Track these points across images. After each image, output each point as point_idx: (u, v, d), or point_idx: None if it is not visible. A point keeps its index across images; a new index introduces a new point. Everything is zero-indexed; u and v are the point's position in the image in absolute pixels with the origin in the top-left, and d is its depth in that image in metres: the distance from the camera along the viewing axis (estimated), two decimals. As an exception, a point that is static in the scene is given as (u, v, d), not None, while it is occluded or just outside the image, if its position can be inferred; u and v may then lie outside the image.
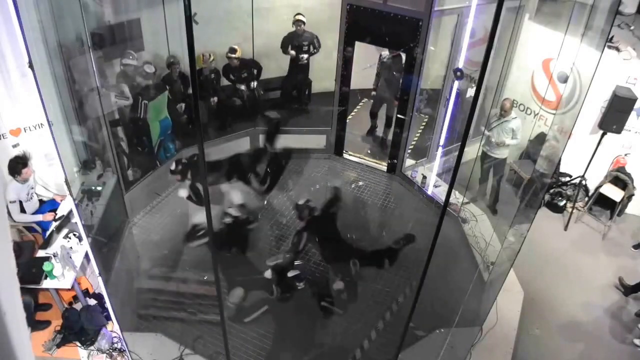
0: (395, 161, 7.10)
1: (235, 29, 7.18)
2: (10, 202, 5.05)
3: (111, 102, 5.93)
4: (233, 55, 6.90)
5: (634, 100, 6.17)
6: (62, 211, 5.33)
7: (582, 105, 5.95)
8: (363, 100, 8.28)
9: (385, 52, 6.94)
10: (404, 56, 6.71)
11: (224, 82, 7.32)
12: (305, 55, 7.26)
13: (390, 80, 7.03)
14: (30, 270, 4.62)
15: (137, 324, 5.06)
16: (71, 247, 4.92)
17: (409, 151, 7.21)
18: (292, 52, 7.20)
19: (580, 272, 6.30)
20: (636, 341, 5.46)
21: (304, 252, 5.77)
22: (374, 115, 7.58)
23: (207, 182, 2.85)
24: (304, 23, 7.10)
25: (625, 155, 6.82)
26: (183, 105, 6.65)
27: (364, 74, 7.16)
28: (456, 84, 6.35)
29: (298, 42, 7.17)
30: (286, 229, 6.12)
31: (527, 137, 6.58)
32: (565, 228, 6.93)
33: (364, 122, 7.62)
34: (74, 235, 5.04)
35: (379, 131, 7.66)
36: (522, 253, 4.99)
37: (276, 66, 7.51)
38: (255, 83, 7.29)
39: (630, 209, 7.05)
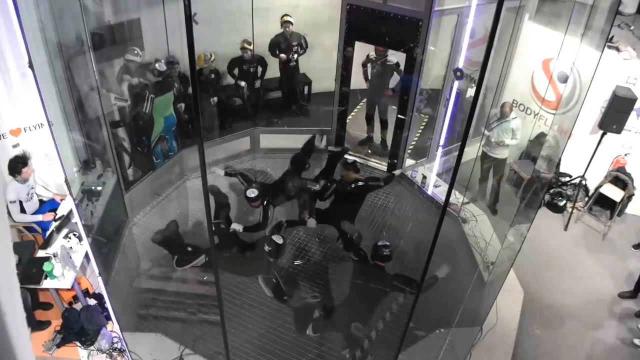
0: (396, 161, 7.10)
1: (235, 29, 7.18)
2: (10, 202, 5.05)
3: (111, 102, 5.93)
4: (249, 47, 6.94)
5: (634, 100, 6.17)
6: (62, 211, 5.33)
7: (582, 105, 5.95)
8: (363, 100, 8.27)
9: (373, 53, 6.86)
10: (391, 57, 6.71)
11: (224, 81, 7.32)
12: (295, 56, 7.26)
13: (379, 82, 6.99)
14: (31, 270, 4.62)
15: (137, 324, 5.06)
16: (71, 247, 4.92)
17: (409, 151, 7.21)
18: (283, 56, 7.19)
19: (580, 272, 6.31)
20: (636, 341, 5.46)
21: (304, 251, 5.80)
22: (369, 120, 7.47)
23: (206, 182, 2.85)
24: (291, 24, 7.09)
25: (625, 155, 6.82)
26: (183, 105, 6.65)
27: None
28: (456, 84, 6.36)
29: (287, 43, 7.17)
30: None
31: (527, 137, 6.58)
32: (565, 228, 6.93)
33: (364, 121, 7.61)
34: (74, 235, 5.04)
35: (376, 138, 7.61)
36: (522, 253, 5.00)
37: (277, 67, 7.50)
38: (259, 82, 7.30)
39: (630, 209, 7.05)
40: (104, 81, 5.81)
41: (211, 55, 6.79)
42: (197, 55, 6.65)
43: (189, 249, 5.32)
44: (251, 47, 6.97)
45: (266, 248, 4.95)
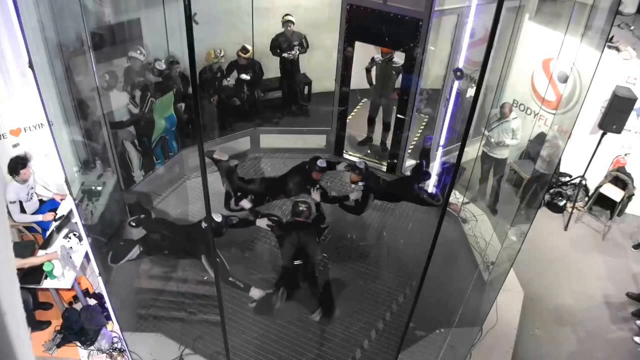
0: (395, 161, 7.10)
1: (235, 29, 7.18)
2: (10, 202, 5.05)
3: (111, 102, 5.93)
4: (244, 55, 6.97)
5: (634, 100, 6.17)
6: (62, 211, 5.33)
7: (582, 105, 5.95)
8: (363, 100, 8.29)
9: (378, 56, 6.84)
10: (397, 59, 6.70)
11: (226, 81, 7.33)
12: (297, 52, 7.26)
13: (385, 84, 6.98)
14: (31, 270, 4.61)
15: (137, 324, 5.06)
16: (71, 247, 4.92)
17: (409, 151, 7.21)
18: (294, 52, 7.20)
19: (580, 272, 6.31)
20: (636, 339, 5.46)
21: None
22: (371, 122, 7.46)
23: (207, 182, 2.84)
24: (293, 23, 7.10)
25: (625, 155, 6.82)
26: (183, 105, 6.66)
27: (364, 74, 7.16)
28: (456, 84, 6.35)
29: (288, 42, 7.18)
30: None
31: (527, 137, 6.58)
32: (565, 228, 6.93)
33: (364, 122, 7.61)
34: (74, 235, 5.04)
35: (375, 139, 7.62)
36: (522, 253, 5.00)
37: (276, 66, 7.52)
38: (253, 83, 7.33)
39: (630, 209, 7.05)
40: (110, 80, 5.81)
41: (221, 51, 6.78)
42: (206, 51, 6.70)
43: (121, 243, 5.21)
44: (246, 56, 6.98)
45: (203, 225, 4.81)
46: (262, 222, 5.09)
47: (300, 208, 4.95)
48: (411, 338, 4.90)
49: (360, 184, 5.63)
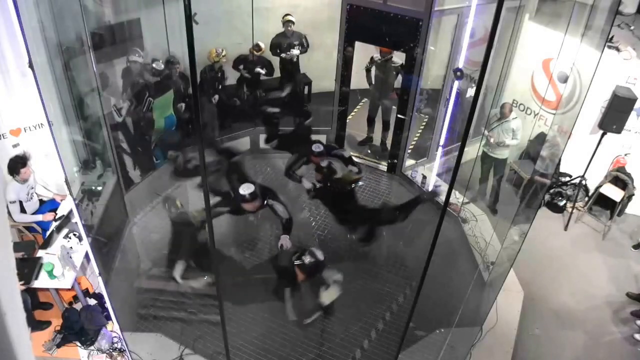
0: (395, 161, 7.10)
1: (235, 29, 7.19)
2: (10, 202, 5.05)
3: (111, 103, 5.93)
4: (257, 53, 7.09)
5: (634, 100, 6.17)
6: (62, 211, 5.33)
7: (582, 105, 5.95)
8: (363, 100, 8.28)
9: (377, 55, 6.84)
10: (396, 58, 6.70)
11: (227, 81, 7.33)
12: (297, 52, 7.28)
13: (384, 84, 6.98)
14: (22, 271, 4.56)
15: (137, 324, 5.06)
16: (71, 247, 4.92)
17: (409, 151, 7.21)
18: (294, 52, 7.21)
19: (580, 272, 6.31)
20: (637, 336, 5.47)
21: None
22: (370, 122, 7.47)
23: (207, 182, 2.85)
24: (293, 23, 7.10)
25: (625, 155, 6.82)
26: (183, 105, 6.65)
27: (364, 74, 7.17)
28: (456, 84, 6.35)
29: (288, 42, 7.18)
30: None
31: (527, 137, 6.58)
32: (566, 228, 6.93)
33: (364, 122, 7.61)
34: (74, 235, 5.04)
35: (375, 139, 7.62)
36: (522, 253, 5.00)
37: (276, 66, 7.51)
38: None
39: (630, 209, 7.04)
40: (104, 81, 5.81)
41: (222, 50, 6.80)
42: (206, 51, 6.72)
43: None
44: (259, 54, 7.07)
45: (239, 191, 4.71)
46: (283, 240, 4.94)
47: (304, 258, 4.24)
48: (411, 338, 4.90)
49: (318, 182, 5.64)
